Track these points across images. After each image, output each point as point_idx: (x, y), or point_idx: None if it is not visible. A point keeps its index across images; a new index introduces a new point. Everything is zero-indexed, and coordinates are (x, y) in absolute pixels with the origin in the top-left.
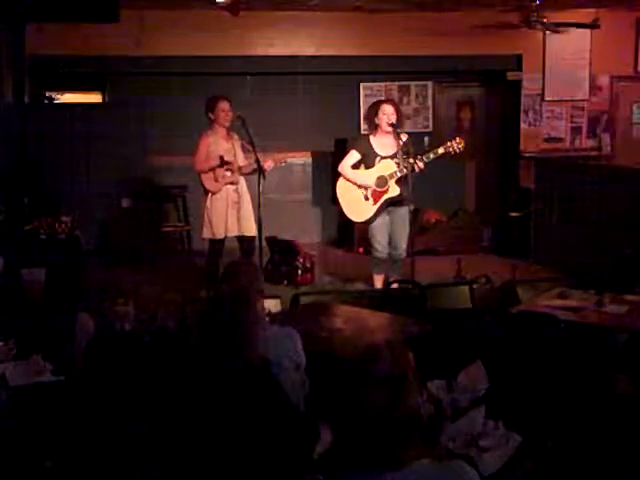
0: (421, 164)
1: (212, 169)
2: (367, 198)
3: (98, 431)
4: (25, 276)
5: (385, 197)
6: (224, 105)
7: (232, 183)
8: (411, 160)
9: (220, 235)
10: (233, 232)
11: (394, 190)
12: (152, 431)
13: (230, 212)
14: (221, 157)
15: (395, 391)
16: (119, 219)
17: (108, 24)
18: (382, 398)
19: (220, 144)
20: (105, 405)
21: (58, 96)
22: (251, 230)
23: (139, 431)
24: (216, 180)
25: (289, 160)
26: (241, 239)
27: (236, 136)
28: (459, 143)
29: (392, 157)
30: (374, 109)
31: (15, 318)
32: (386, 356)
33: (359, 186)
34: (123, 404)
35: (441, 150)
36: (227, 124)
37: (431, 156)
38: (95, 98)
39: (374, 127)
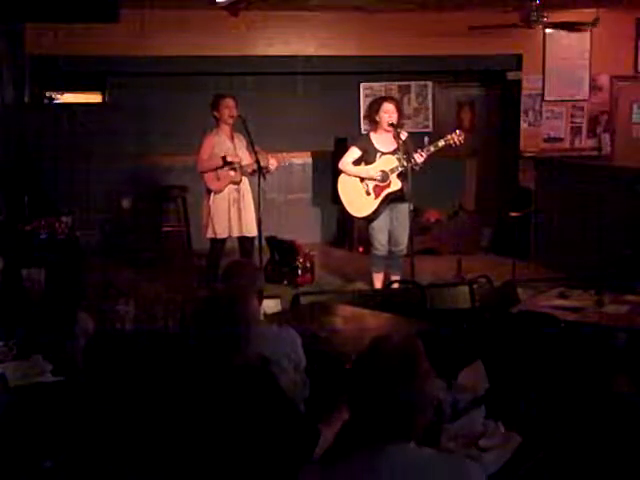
0: (421, 157)
1: (215, 169)
2: (369, 193)
3: (98, 430)
4: (25, 276)
5: (387, 191)
6: (229, 102)
7: (235, 182)
8: (412, 158)
9: (222, 235)
10: (235, 232)
11: (396, 184)
12: (151, 430)
13: (232, 212)
14: (223, 157)
15: (406, 368)
16: (119, 219)
17: (108, 24)
18: (394, 373)
19: (224, 143)
20: (105, 405)
21: (58, 96)
22: (252, 230)
23: (138, 430)
24: (219, 179)
25: (290, 160)
26: (241, 239)
27: (240, 135)
28: (459, 136)
29: (392, 153)
30: (375, 106)
31: (15, 318)
32: (396, 336)
33: (362, 179)
34: (123, 403)
35: (441, 143)
36: (232, 122)
37: (431, 149)
38: (95, 98)
39: (374, 124)
